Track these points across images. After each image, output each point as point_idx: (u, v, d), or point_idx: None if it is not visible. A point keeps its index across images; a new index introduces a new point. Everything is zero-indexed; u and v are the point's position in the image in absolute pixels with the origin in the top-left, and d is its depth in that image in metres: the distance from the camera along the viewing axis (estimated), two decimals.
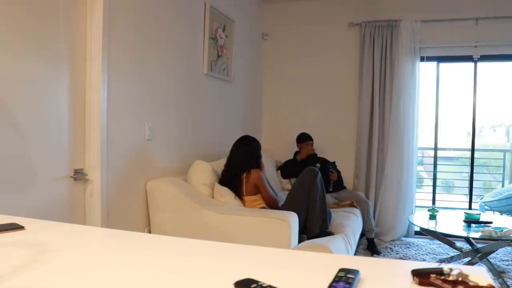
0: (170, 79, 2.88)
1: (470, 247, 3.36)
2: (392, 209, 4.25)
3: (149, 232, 2.61)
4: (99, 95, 2.16)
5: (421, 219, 3.46)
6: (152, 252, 0.93)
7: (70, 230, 1.12)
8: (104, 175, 2.21)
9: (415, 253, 3.82)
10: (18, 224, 1.08)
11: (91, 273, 0.78)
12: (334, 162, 4.04)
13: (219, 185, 2.80)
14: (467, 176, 4.71)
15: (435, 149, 4.53)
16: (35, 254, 0.86)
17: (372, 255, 3.80)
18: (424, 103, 4.47)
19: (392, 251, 3.90)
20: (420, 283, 0.69)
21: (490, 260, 3.33)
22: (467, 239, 3.41)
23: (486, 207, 4.60)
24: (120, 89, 2.35)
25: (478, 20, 4.12)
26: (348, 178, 4.43)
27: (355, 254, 3.36)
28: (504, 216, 4.03)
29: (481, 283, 0.65)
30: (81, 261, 0.85)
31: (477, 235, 3.00)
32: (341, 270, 0.74)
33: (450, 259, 3.36)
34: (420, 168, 6.17)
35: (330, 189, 4.02)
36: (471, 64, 4.30)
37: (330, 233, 2.80)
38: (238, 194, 2.79)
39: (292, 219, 2.42)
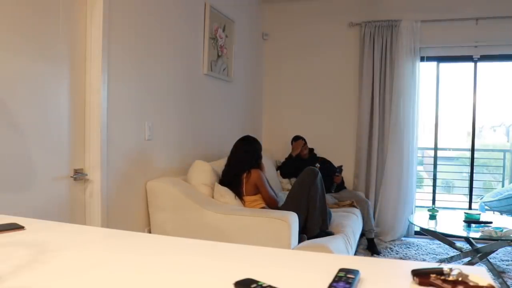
0: (170, 79, 2.88)
1: (470, 247, 3.36)
2: (392, 209, 4.25)
3: (149, 232, 2.61)
4: (99, 95, 2.16)
5: (421, 219, 3.46)
6: (152, 252, 0.93)
7: (70, 230, 1.12)
8: (104, 175, 2.21)
9: (415, 253, 3.82)
10: (18, 224, 1.08)
11: (91, 273, 0.78)
12: (341, 166, 4.04)
13: (219, 185, 2.80)
14: (467, 176, 4.71)
15: (435, 149, 4.53)
16: (35, 254, 0.86)
17: (372, 255, 3.80)
18: (424, 103, 4.47)
19: (392, 251, 3.90)
20: (420, 283, 0.69)
21: (490, 260, 3.33)
22: (467, 239, 3.41)
23: (486, 207, 4.60)
24: (120, 89, 2.35)
25: (478, 20, 4.12)
26: (348, 178, 4.43)
27: (355, 254, 3.36)
28: (504, 216, 4.03)
29: (481, 283, 0.65)
30: (81, 261, 0.85)
31: (477, 235, 3.00)
32: (341, 270, 0.74)
33: (450, 259, 3.36)
34: (420, 168, 6.17)
35: (332, 191, 4.02)
36: (471, 64, 4.30)
37: (330, 233, 2.80)
38: (238, 194, 2.79)
39: (292, 219, 2.42)
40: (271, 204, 2.83)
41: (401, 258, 3.67)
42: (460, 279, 0.66)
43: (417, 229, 3.99)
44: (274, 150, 4.59)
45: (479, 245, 3.29)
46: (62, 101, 2.03)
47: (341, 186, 4.15)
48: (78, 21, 2.12)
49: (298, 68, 4.70)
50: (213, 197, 2.76)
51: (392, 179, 4.26)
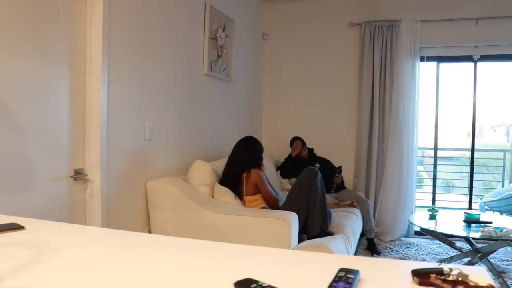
0: (170, 79, 2.88)
1: (470, 247, 3.36)
2: (392, 209, 4.25)
3: (149, 232, 2.61)
4: (99, 95, 2.16)
5: (421, 219, 3.46)
6: (152, 252, 0.93)
7: (70, 230, 1.12)
8: (104, 175, 2.21)
9: (415, 253, 3.82)
10: (18, 224, 1.08)
11: (91, 273, 0.78)
12: (340, 167, 4.04)
13: (219, 185, 2.80)
14: (467, 176, 4.71)
15: (435, 149, 4.53)
16: (35, 254, 0.86)
17: (372, 255, 3.80)
18: (424, 103, 4.47)
19: (392, 251, 3.90)
20: (420, 283, 0.69)
21: (490, 260, 3.33)
22: (467, 239, 3.41)
23: (486, 207, 4.60)
24: (120, 89, 2.35)
25: (478, 20, 4.12)
26: (348, 178, 4.43)
27: (355, 254, 3.36)
28: (504, 216, 4.03)
29: (481, 283, 0.65)
30: (81, 261, 0.85)
31: (477, 235, 3.00)
32: (341, 270, 0.74)
33: (450, 259, 3.36)
34: (420, 168, 6.17)
35: (332, 191, 4.02)
36: (471, 64, 4.30)
37: (330, 233, 2.80)
38: (238, 194, 2.79)
39: (292, 219, 2.42)
40: (272, 203, 2.83)
41: (401, 258, 3.67)
42: (460, 279, 0.66)
43: (417, 229, 3.99)
44: (274, 150, 4.59)
45: (479, 245, 3.29)
46: (62, 101, 2.03)
47: (341, 186, 4.15)
48: (78, 21, 2.12)
49: (298, 68, 4.70)
50: (213, 197, 2.76)
51: (392, 179, 4.26)
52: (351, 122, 4.54)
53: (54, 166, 1.98)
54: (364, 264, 0.82)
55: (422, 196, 5.02)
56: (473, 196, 4.44)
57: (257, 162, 2.89)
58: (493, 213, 4.51)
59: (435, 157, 4.59)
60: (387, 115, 4.31)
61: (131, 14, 2.45)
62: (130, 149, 2.47)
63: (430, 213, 3.46)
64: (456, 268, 0.69)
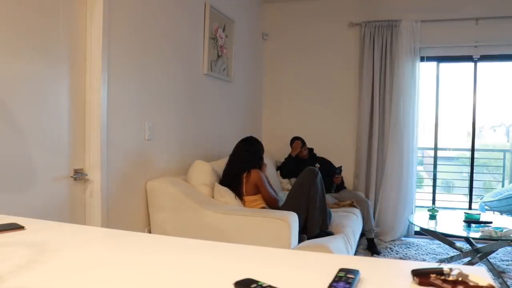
0: (170, 79, 2.88)
1: (470, 247, 3.36)
2: (392, 209, 4.25)
3: (149, 232, 2.61)
4: (99, 95, 2.16)
5: (421, 219, 3.46)
6: (152, 252, 0.93)
7: (70, 230, 1.12)
8: (104, 175, 2.21)
9: (415, 253, 3.82)
10: (18, 224, 1.08)
11: (91, 273, 0.78)
12: (340, 167, 4.05)
13: (219, 185, 2.80)
14: (467, 176, 4.71)
15: (435, 149, 4.53)
16: (35, 254, 0.86)
17: (372, 255, 3.80)
18: (424, 103, 4.47)
19: (392, 251, 3.90)
20: (420, 283, 0.69)
21: (490, 260, 3.33)
22: (467, 239, 3.41)
23: (486, 207, 4.60)
24: (120, 89, 2.35)
25: (478, 20, 4.12)
26: (348, 178, 4.43)
27: (355, 254, 3.36)
28: (504, 216, 4.03)
29: (481, 283, 0.65)
30: (81, 261, 0.85)
31: (477, 235, 3.00)
32: (341, 270, 0.74)
33: (450, 259, 3.36)
34: (420, 168, 6.17)
35: (332, 191, 4.02)
36: (471, 64, 4.30)
37: (330, 233, 2.80)
38: (238, 194, 2.79)
39: (292, 219, 2.42)
40: (272, 203, 2.83)
41: (401, 258, 3.67)
42: (460, 279, 0.66)
43: (417, 229, 3.99)
44: (274, 150, 4.59)
45: (479, 245, 3.29)
46: (62, 101, 2.03)
47: (341, 186, 4.15)
48: (78, 21, 2.12)
49: (298, 68, 4.70)
50: (213, 197, 2.76)
51: (392, 179, 4.26)
52: (351, 122, 4.54)
53: (54, 166, 1.98)
54: (364, 264, 0.82)
55: (422, 196, 5.02)
56: (473, 196, 4.44)
57: (258, 162, 2.89)
58: (493, 213, 4.51)
59: (435, 157, 4.59)
60: (387, 115, 4.31)
61: (131, 14, 2.45)
62: (130, 149, 2.47)
63: (430, 213, 3.46)
64: (456, 268, 0.69)
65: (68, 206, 2.08)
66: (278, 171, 4.22)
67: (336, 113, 4.61)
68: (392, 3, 4.36)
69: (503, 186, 5.36)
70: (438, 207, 3.83)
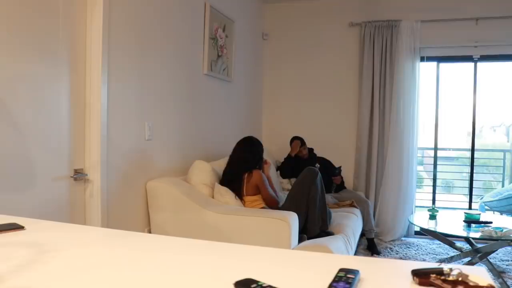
0: (170, 79, 2.88)
1: (470, 247, 3.36)
2: (392, 209, 4.26)
3: (149, 232, 2.61)
4: (99, 95, 2.16)
5: (421, 219, 3.46)
6: (152, 252, 0.93)
7: (70, 230, 1.12)
8: (104, 175, 2.20)
9: (415, 253, 3.82)
10: (18, 224, 1.08)
11: (91, 273, 0.78)
12: (340, 167, 4.05)
13: (219, 185, 2.80)
14: (467, 176, 4.71)
15: (435, 149, 4.53)
16: (35, 254, 0.86)
17: (372, 255, 3.80)
18: (424, 103, 4.47)
19: (392, 251, 3.90)
20: (420, 283, 0.69)
21: (490, 260, 3.33)
22: (467, 239, 3.41)
23: (486, 207, 4.60)
24: (120, 89, 2.35)
25: (478, 20, 4.12)
26: (348, 178, 4.43)
27: (355, 254, 3.36)
28: (504, 216, 4.03)
29: (481, 283, 0.65)
30: (81, 261, 0.85)
31: (477, 235, 3.00)
32: (341, 270, 0.74)
33: (450, 259, 3.36)
34: (420, 168, 6.17)
35: (332, 191, 4.02)
36: (471, 64, 4.30)
37: (330, 233, 2.80)
38: (238, 194, 2.79)
39: (292, 219, 2.42)
40: (272, 204, 2.83)
41: (401, 258, 3.67)
42: (460, 279, 0.66)
43: (417, 229, 3.99)
44: (274, 150, 4.59)
45: (479, 245, 3.29)
46: (62, 101, 2.03)
47: (341, 186, 4.15)
48: (78, 22, 2.12)
49: (298, 68, 4.70)
50: (213, 197, 2.76)
51: (392, 179, 4.26)
52: (351, 122, 4.54)
53: (54, 166, 1.98)
54: (364, 264, 0.82)
55: (422, 196, 5.02)
56: (473, 196, 4.44)
57: (258, 162, 2.89)
58: (493, 213, 4.51)
59: (435, 157, 4.59)
60: (387, 115, 4.31)
61: (131, 14, 2.45)
62: (130, 149, 2.47)
63: (430, 213, 3.46)
64: (456, 268, 0.69)
65: (68, 206, 2.08)
66: (278, 171, 4.22)
67: (336, 113, 4.61)
68: (392, 3, 4.36)
69: (503, 186, 5.36)
70: (438, 207, 3.83)
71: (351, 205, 3.73)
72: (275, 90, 4.81)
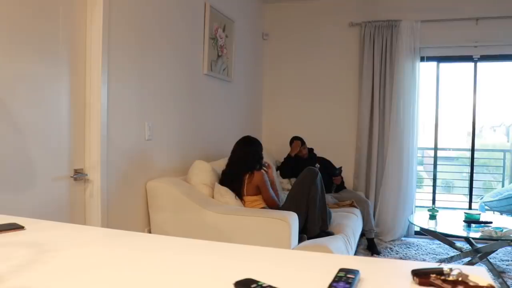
0: (170, 79, 2.88)
1: (470, 247, 3.36)
2: (392, 209, 4.26)
3: (149, 232, 2.61)
4: (99, 95, 2.16)
5: (421, 219, 3.46)
6: (152, 252, 0.93)
7: (70, 230, 1.12)
8: (104, 175, 2.20)
9: (415, 253, 3.82)
10: (18, 224, 1.08)
11: (91, 273, 0.78)
12: (340, 167, 4.05)
13: (219, 185, 2.80)
14: (467, 176, 4.71)
15: (435, 149, 4.53)
16: (35, 254, 0.86)
17: (372, 255, 3.80)
18: (424, 103, 4.47)
19: (392, 251, 3.90)
20: (420, 283, 0.69)
21: (490, 260, 3.33)
22: (467, 239, 3.41)
23: (486, 207, 4.60)
24: (120, 89, 2.35)
25: (478, 20, 4.12)
26: (348, 178, 4.43)
27: (355, 254, 3.36)
28: (504, 216, 4.03)
29: (481, 283, 0.65)
30: (81, 261, 0.85)
31: (477, 235, 3.00)
32: (341, 270, 0.74)
33: (450, 259, 3.36)
34: (420, 168, 6.17)
35: (332, 191, 4.02)
36: (471, 64, 4.30)
37: (330, 233, 2.80)
38: (239, 194, 2.79)
39: (292, 219, 2.42)
40: (272, 206, 2.83)
41: (401, 258, 3.66)
42: (460, 279, 0.66)
43: (417, 229, 3.99)
44: (274, 150, 4.59)
45: (479, 245, 3.29)
46: (62, 101, 2.03)
47: (341, 186, 4.15)
48: (78, 22, 2.12)
49: (298, 68, 4.70)
50: (213, 197, 2.76)
51: (392, 179, 4.26)
52: (351, 122, 4.54)
53: (54, 166, 1.98)
54: (364, 264, 0.82)
55: (422, 196, 5.02)
56: (473, 196, 4.44)
57: (258, 162, 2.88)
58: (493, 213, 4.51)
59: (435, 157, 4.59)
60: (387, 115, 4.31)
61: (131, 14, 2.45)
62: (130, 149, 2.47)
63: (430, 213, 3.46)
64: (456, 268, 0.69)
65: (68, 206, 2.08)
66: (278, 171, 4.22)
67: (336, 113, 4.61)
68: (392, 3, 4.36)
69: (503, 186, 5.36)
70: (438, 207, 3.83)
71: (351, 205, 3.73)
72: (275, 90, 4.81)
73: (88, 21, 2.16)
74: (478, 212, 3.50)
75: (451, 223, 3.37)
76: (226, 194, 2.73)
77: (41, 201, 1.91)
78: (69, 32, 2.06)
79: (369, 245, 3.88)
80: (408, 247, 3.99)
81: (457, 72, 5.06)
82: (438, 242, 3.99)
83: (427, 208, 3.56)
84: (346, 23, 4.52)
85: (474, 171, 4.44)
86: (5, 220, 1.13)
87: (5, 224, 1.08)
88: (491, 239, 2.91)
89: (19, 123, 1.79)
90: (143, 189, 2.60)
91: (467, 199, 4.50)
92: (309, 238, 2.65)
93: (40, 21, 1.88)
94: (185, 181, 2.77)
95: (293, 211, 2.53)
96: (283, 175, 4.17)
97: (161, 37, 2.75)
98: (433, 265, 0.73)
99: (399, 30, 4.22)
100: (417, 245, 4.04)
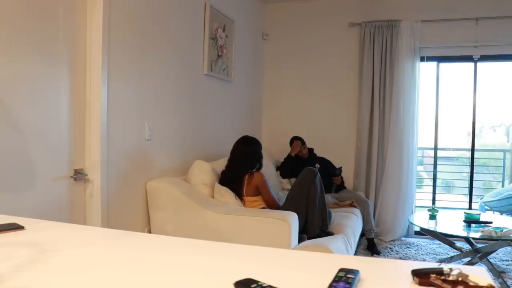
0: (170, 79, 2.88)
1: (470, 247, 3.36)
2: (392, 209, 4.26)
3: (149, 232, 2.61)
4: (99, 95, 2.16)
5: (421, 219, 3.46)
6: (152, 252, 0.93)
7: (70, 230, 1.12)
8: (104, 175, 2.20)
9: (415, 253, 3.82)
10: (18, 224, 1.08)
11: (91, 273, 0.78)
12: (340, 168, 4.05)
13: (219, 185, 2.80)
14: (467, 176, 4.71)
15: (435, 149, 4.53)
16: (35, 254, 0.86)
17: (372, 255, 3.80)
18: (424, 103, 4.47)
19: (392, 251, 3.90)
20: (420, 283, 0.69)
21: (490, 260, 3.33)
22: (467, 239, 3.41)
23: (486, 207, 4.60)
24: (120, 89, 2.35)
25: (478, 20, 4.12)
26: (348, 178, 4.43)
27: (355, 254, 3.36)
28: (504, 216, 4.03)
29: (481, 283, 0.65)
30: (81, 261, 0.85)
31: (477, 235, 3.00)
32: (341, 270, 0.74)
33: (450, 259, 3.36)
34: (420, 168, 6.17)
35: (332, 191, 4.02)
36: (471, 64, 4.30)
37: (330, 233, 2.80)
38: (238, 194, 2.78)
39: (292, 219, 2.42)
40: (272, 206, 2.83)
41: (401, 258, 3.67)
42: (460, 279, 0.66)
43: (417, 229, 3.99)
44: (274, 150, 4.59)
45: (479, 245, 3.29)
46: (62, 101, 2.03)
47: (341, 186, 4.15)
48: (78, 22, 2.12)
49: (298, 68, 4.70)
50: (213, 197, 2.76)
51: (392, 179, 4.26)
52: (351, 122, 4.54)
53: (54, 166, 1.98)
54: (364, 264, 0.82)
55: (422, 196, 5.02)
56: (473, 196, 4.44)
57: (258, 161, 2.88)
58: (493, 213, 4.51)
59: (435, 157, 4.59)
60: (387, 115, 4.32)
61: (131, 14, 2.45)
62: (130, 149, 2.47)
63: (430, 213, 3.46)
64: (456, 268, 0.69)
65: (68, 206, 2.08)
66: (278, 171, 4.22)
67: (336, 113, 4.61)
68: (392, 3, 4.36)
69: (503, 186, 5.36)
70: (438, 207, 3.83)
71: (351, 205, 3.73)
72: (275, 90, 4.81)
73: (88, 21, 2.16)
74: (478, 212, 3.50)
75: (451, 223, 3.37)
76: (226, 194, 2.73)
77: (41, 201, 1.91)
78: (69, 32, 2.06)
79: (369, 245, 3.88)
80: (408, 247, 3.99)
81: (457, 72, 5.06)
82: (438, 242, 3.99)
83: (427, 208, 3.56)
84: (346, 23, 4.52)
85: (474, 171, 4.44)
86: (5, 220, 1.13)
87: (5, 224, 1.08)
88: (491, 239, 2.91)
89: (19, 123, 1.79)
90: (143, 189, 2.60)
91: (467, 199, 4.50)
92: (309, 238, 2.65)
93: (40, 21, 1.88)
94: (185, 181, 2.77)
95: (293, 211, 2.53)
96: (283, 175, 4.17)
97: (161, 37, 2.75)
98: (433, 265, 0.73)
99: (399, 30, 4.22)
100: (417, 245, 4.04)
